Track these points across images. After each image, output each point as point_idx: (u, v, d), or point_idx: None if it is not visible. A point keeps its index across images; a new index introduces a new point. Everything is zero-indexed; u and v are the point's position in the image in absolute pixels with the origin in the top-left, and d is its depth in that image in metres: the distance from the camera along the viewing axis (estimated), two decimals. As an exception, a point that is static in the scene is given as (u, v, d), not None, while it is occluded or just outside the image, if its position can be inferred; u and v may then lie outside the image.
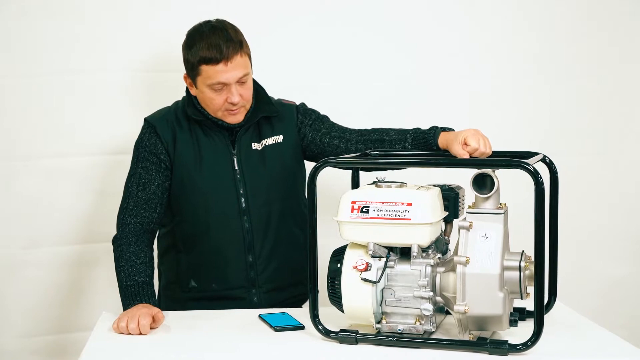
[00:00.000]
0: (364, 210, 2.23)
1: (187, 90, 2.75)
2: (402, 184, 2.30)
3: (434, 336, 2.27)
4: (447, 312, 2.37)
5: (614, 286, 3.58)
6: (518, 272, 2.18)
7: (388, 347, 2.21)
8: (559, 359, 2.14)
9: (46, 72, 3.19)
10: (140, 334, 2.33)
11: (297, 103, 2.86)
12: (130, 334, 2.33)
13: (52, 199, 3.24)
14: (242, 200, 2.71)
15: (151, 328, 2.37)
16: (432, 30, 3.44)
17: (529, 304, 2.24)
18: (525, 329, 2.17)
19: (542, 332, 2.10)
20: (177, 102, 2.81)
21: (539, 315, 2.10)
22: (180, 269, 2.76)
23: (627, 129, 3.55)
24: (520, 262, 2.18)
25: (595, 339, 2.30)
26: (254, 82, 2.76)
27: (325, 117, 2.85)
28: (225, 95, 2.62)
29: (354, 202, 2.24)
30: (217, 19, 2.68)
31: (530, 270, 2.18)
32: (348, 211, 2.24)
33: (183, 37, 3.23)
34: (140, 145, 2.73)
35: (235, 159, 2.72)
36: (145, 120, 2.77)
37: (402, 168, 2.74)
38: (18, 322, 3.28)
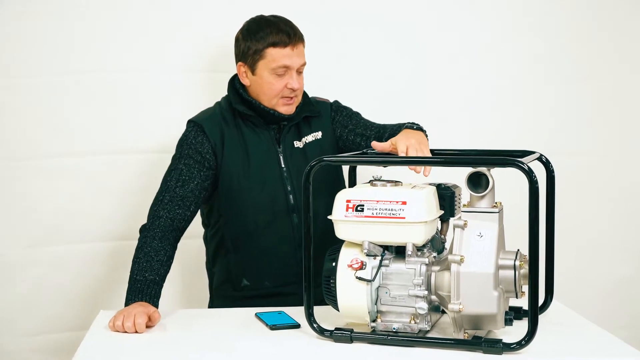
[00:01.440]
0: (358, 209, 2.23)
1: (233, 89, 2.81)
2: (397, 183, 2.30)
3: (429, 335, 2.27)
4: (443, 311, 2.37)
5: (615, 287, 3.57)
6: (513, 271, 2.17)
7: (383, 346, 2.21)
8: (554, 359, 2.14)
9: (47, 72, 3.20)
10: (136, 332, 2.33)
11: (331, 100, 2.94)
12: (126, 332, 2.34)
13: (53, 198, 3.24)
14: (291, 197, 2.76)
15: (147, 327, 2.37)
16: (433, 30, 3.44)
17: (525, 303, 2.23)
18: (521, 328, 2.16)
19: (536, 331, 2.10)
20: (218, 103, 2.86)
21: (533, 314, 2.09)
22: (232, 269, 2.80)
23: (628, 129, 3.54)
24: (515, 261, 2.18)
25: (592, 339, 2.29)
26: None
27: (356, 114, 2.91)
28: (286, 81, 2.71)
29: (348, 201, 2.25)
30: (272, 15, 2.79)
31: (525, 269, 2.17)
32: (343, 210, 2.25)
33: (184, 37, 3.26)
34: (184, 143, 2.75)
35: (281, 156, 2.77)
36: (190, 121, 2.81)
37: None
38: (20, 322, 3.28)
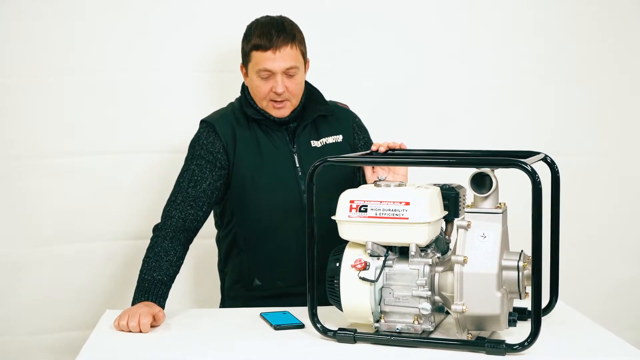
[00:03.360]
0: (362, 209, 2.23)
1: (244, 91, 2.81)
2: (401, 184, 2.30)
3: (432, 336, 2.27)
4: (447, 312, 2.37)
5: (621, 287, 3.56)
6: (516, 272, 2.17)
7: (386, 347, 2.21)
8: (556, 359, 2.14)
9: (48, 72, 3.22)
10: (141, 332, 2.34)
11: (350, 108, 2.95)
12: (130, 331, 2.35)
13: (57, 198, 3.26)
14: (304, 196, 2.71)
15: (152, 326, 2.38)
16: (434, 30, 3.44)
17: (530, 304, 2.22)
18: (526, 329, 2.15)
19: (539, 332, 2.09)
20: (232, 104, 2.87)
21: (536, 315, 2.09)
22: (244, 269, 2.80)
23: (629, 129, 3.54)
24: (518, 261, 2.18)
25: (596, 340, 2.29)
26: (309, 84, 2.84)
27: (371, 142, 2.91)
28: (271, 84, 2.70)
29: (352, 202, 2.25)
30: (279, 15, 2.77)
31: (529, 270, 2.17)
32: (346, 210, 2.25)
33: (182, 37, 3.29)
34: (196, 144, 2.76)
35: (295, 156, 2.77)
36: (203, 121, 2.81)
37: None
38: (28, 320, 3.31)
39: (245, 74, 2.77)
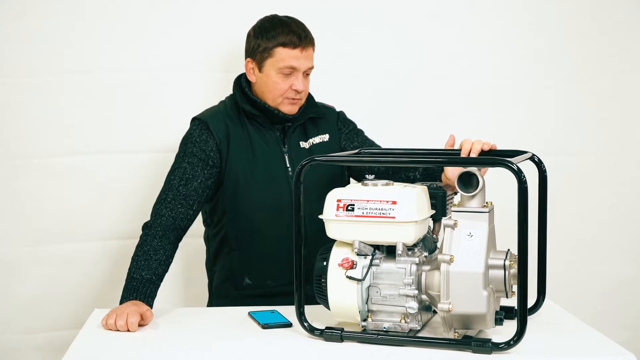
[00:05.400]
0: (349, 208, 2.24)
1: (239, 88, 2.83)
2: (388, 183, 2.30)
3: (419, 334, 2.27)
4: (435, 311, 2.37)
5: (617, 287, 3.55)
6: (503, 271, 2.17)
7: (373, 345, 2.21)
8: (543, 358, 2.14)
9: (48, 72, 3.23)
10: (128, 331, 2.35)
11: (337, 109, 2.96)
12: (118, 330, 2.35)
13: (55, 197, 3.27)
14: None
15: (140, 325, 2.38)
16: (433, 29, 3.44)
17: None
18: (513, 327, 2.14)
19: (525, 331, 2.09)
20: (223, 102, 2.88)
21: (522, 314, 2.09)
22: (234, 267, 2.82)
23: (628, 129, 3.53)
24: (505, 260, 2.18)
25: (583, 339, 2.29)
26: None
27: (361, 131, 2.94)
28: (291, 82, 2.74)
29: (339, 200, 2.25)
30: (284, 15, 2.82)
31: (515, 269, 2.17)
32: (334, 209, 2.25)
33: (182, 37, 3.28)
34: (188, 141, 2.77)
35: (286, 156, 2.80)
36: (195, 118, 2.82)
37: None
38: (22, 320, 3.32)
39: (256, 69, 2.78)
